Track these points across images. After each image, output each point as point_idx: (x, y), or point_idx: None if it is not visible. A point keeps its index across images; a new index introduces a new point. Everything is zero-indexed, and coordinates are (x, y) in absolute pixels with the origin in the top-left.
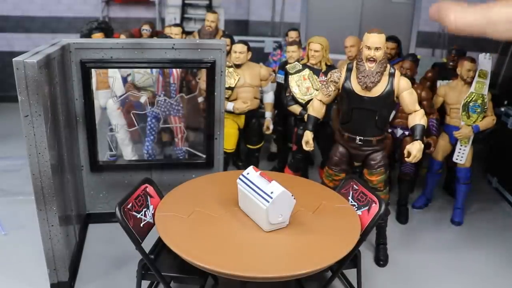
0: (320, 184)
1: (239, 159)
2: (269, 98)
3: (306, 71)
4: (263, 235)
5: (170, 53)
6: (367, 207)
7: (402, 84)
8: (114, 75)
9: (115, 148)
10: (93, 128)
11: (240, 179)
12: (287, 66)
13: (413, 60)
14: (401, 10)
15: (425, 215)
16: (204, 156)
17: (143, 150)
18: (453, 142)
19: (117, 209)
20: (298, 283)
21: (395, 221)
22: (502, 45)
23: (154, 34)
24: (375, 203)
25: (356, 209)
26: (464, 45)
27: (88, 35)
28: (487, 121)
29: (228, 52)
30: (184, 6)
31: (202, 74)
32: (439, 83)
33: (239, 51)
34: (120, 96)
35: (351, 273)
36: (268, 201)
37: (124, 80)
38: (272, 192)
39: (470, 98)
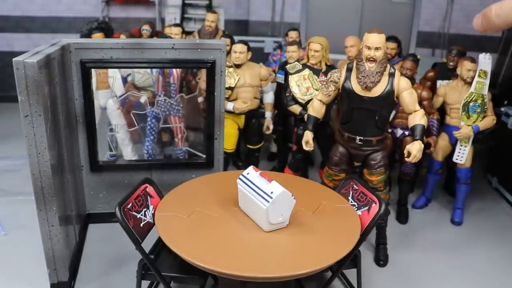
0: (320, 184)
1: (239, 159)
2: (269, 98)
3: (306, 71)
4: (263, 235)
5: (170, 53)
6: (367, 207)
7: (402, 84)
8: (114, 75)
9: (115, 148)
10: (93, 128)
11: (240, 179)
12: (287, 66)
13: (413, 60)
14: (401, 10)
15: (425, 215)
16: (204, 156)
17: (143, 150)
18: (453, 142)
19: (117, 209)
20: (298, 283)
21: (395, 221)
22: (502, 45)
23: (154, 34)
24: (375, 203)
25: (356, 209)
26: (464, 45)
27: (88, 35)
28: (487, 121)
29: (228, 52)
30: (184, 6)
31: (202, 74)
32: (439, 83)
33: (239, 51)
34: (120, 96)
35: (351, 273)
36: (268, 201)
37: (124, 80)
38: (272, 192)
39: (470, 98)
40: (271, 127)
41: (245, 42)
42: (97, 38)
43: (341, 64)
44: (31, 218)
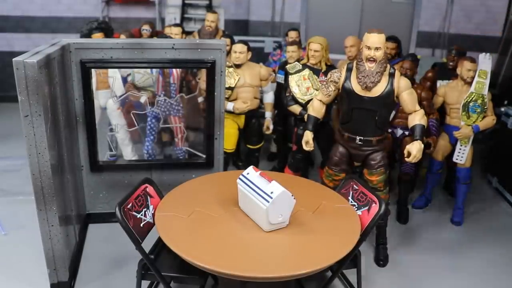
0: (320, 184)
1: (239, 159)
2: (269, 98)
3: (306, 71)
4: (263, 235)
5: (170, 53)
6: (367, 207)
7: (402, 84)
8: (114, 75)
9: (115, 148)
10: (93, 128)
11: (240, 179)
12: (287, 66)
13: (413, 60)
14: (401, 10)
15: (425, 215)
16: (204, 156)
17: (143, 150)
18: (453, 142)
19: (117, 209)
20: (298, 283)
21: (395, 221)
22: (502, 45)
23: (154, 34)
24: (375, 203)
25: (356, 209)
26: (464, 45)
27: (88, 35)
28: (487, 121)
29: (228, 52)
30: (184, 6)
31: (202, 74)
32: (439, 83)
33: (239, 51)
34: (120, 96)
35: (351, 273)
36: (268, 201)
37: (124, 80)
38: (272, 192)
39: (470, 98)
40: (271, 127)
41: (245, 42)
42: (97, 38)
43: (341, 64)
44: (31, 218)
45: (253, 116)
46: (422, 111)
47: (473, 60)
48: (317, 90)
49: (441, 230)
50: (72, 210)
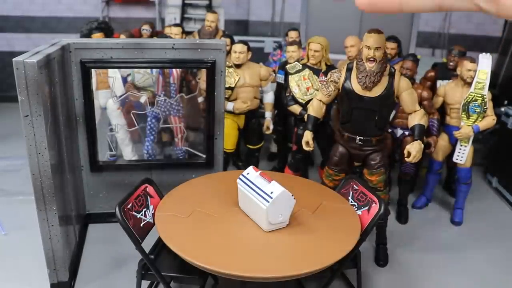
0: (320, 184)
1: (239, 159)
2: (269, 98)
3: (306, 71)
4: (263, 235)
5: (170, 53)
6: (367, 207)
7: (402, 84)
8: (114, 75)
9: (115, 148)
10: (93, 128)
11: (240, 179)
12: (287, 66)
13: (413, 60)
14: None
15: (425, 215)
16: (204, 156)
17: (143, 150)
18: (453, 142)
19: (117, 209)
20: (298, 283)
21: (395, 221)
22: (502, 45)
23: (154, 34)
24: (375, 203)
25: (356, 209)
26: (464, 45)
27: (88, 35)
28: (487, 121)
29: (228, 52)
30: (184, 6)
31: (202, 74)
32: (439, 83)
33: (239, 51)
34: (120, 96)
35: (351, 273)
36: (268, 201)
37: (124, 80)
38: (272, 192)
39: (470, 98)
40: (271, 127)
41: (245, 42)
42: (97, 38)
43: (341, 64)
44: (31, 218)
45: (253, 116)
46: (422, 111)
47: (473, 60)
48: (317, 90)
49: (441, 230)
50: (72, 210)
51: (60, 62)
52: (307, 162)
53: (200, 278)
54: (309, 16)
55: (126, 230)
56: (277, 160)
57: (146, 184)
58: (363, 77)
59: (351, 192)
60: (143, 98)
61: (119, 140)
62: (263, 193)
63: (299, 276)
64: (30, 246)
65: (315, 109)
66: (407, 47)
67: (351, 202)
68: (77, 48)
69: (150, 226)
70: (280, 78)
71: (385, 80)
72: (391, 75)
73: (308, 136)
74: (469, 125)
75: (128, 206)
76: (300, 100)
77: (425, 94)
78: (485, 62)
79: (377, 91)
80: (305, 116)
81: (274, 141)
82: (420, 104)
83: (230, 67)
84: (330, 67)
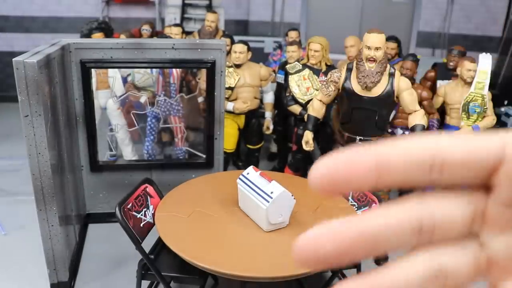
0: None
1: (239, 159)
2: (269, 98)
3: (306, 71)
4: (263, 235)
5: (170, 53)
6: (367, 207)
7: (402, 84)
8: (114, 75)
9: (115, 148)
10: (93, 128)
11: (240, 179)
12: (287, 66)
13: (413, 60)
14: (401, 10)
15: None
16: (204, 156)
17: (143, 150)
18: None
19: (117, 209)
20: (298, 283)
21: None
22: (502, 45)
23: (154, 34)
24: (375, 203)
25: (356, 209)
26: (464, 45)
27: (88, 35)
28: (487, 121)
29: (228, 52)
30: (184, 6)
31: (202, 74)
32: (439, 83)
33: (239, 51)
34: (120, 96)
35: (351, 273)
36: (268, 201)
37: (124, 80)
38: (272, 192)
39: (470, 98)
40: (271, 127)
41: (245, 42)
42: (97, 38)
43: (341, 64)
44: (31, 218)
45: (253, 116)
46: (422, 111)
47: (473, 60)
48: (317, 90)
49: None
50: (72, 210)
51: (60, 62)
52: (307, 162)
53: (200, 278)
54: (309, 16)
55: (126, 230)
56: (277, 160)
57: (146, 184)
58: (363, 77)
59: (351, 192)
60: (143, 98)
61: (119, 140)
62: (263, 193)
63: (299, 276)
64: (30, 246)
65: (315, 109)
66: (407, 47)
67: (351, 202)
68: (77, 48)
69: (150, 226)
70: (280, 78)
71: (385, 80)
72: (391, 75)
73: (308, 136)
74: (469, 125)
75: (128, 206)
76: (300, 100)
77: (425, 94)
78: (485, 62)
79: (377, 91)
80: (305, 116)
81: (274, 141)
82: (420, 104)
83: (230, 67)
84: (330, 67)
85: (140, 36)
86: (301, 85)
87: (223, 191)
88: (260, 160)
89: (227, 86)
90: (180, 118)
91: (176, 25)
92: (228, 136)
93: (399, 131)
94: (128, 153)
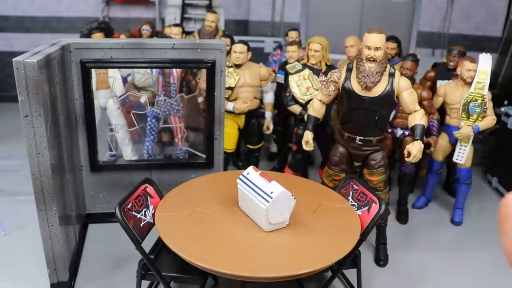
0: (320, 184)
1: (239, 159)
2: (269, 98)
3: (306, 71)
4: (263, 235)
5: (170, 53)
6: (367, 207)
7: (402, 84)
8: (114, 75)
9: (115, 148)
10: (93, 128)
11: (240, 179)
12: (287, 66)
13: (413, 60)
14: (401, 10)
15: (425, 215)
16: (204, 156)
17: (143, 150)
18: (453, 142)
19: (117, 209)
20: (298, 283)
21: (395, 221)
22: (502, 45)
23: (154, 34)
24: (375, 203)
25: (356, 209)
26: (464, 45)
27: (88, 35)
28: (487, 121)
29: (228, 52)
30: (184, 6)
31: (202, 74)
32: (439, 83)
33: (239, 51)
34: (120, 96)
35: (351, 273)
36: (268, 201)
37: (124, 80)
38: (272, 192)
39: (470, 98)
40: (271, 127)
41: (245, 42)
42: (97, 38)
43: (341, 64)
44: (31, 218)
45: (253, 116)
46: (422, 111)
47: (473, 60)
48: (317, 90)
49: (441, 230)
50: (72, 210)
51: (60, 62)
52: (307, 162)
53: (200, 278)
54: (309, 16)
55: (126, 230)
56: (277, 160)
57: (146, 184)
58: (363, 77)
59: (351, 192)
60: (143, 98)
61: (119, 140)
62: (263, 193)
63: (299, 276)
64: (30, 246)
65: (315, 109)
66: (407, 47)
67: (351, 202)
68: (77, 48)
69: (150, 226)
70: (280, 78)
71: (385, 80)
72: (391, 75)
73: (308, 136)
74: (469, 125)
75: (128, 206)
76: (300, 100)
77: (425, 94)
78: (485, 62)
79: (377, 91)
80: (305, 116)
81: (274, 141)
82: (420, 104)
83: (230, 67)
84: (330, 67)
85: (140, 36)
86: (301, 85)
87: (223, 191)
88: (260, 160)
89: (227, 86)
90: (180, 118)
91: (176, 25)
92: (228, 136)
93: (399, 131)
94: (128, 153)
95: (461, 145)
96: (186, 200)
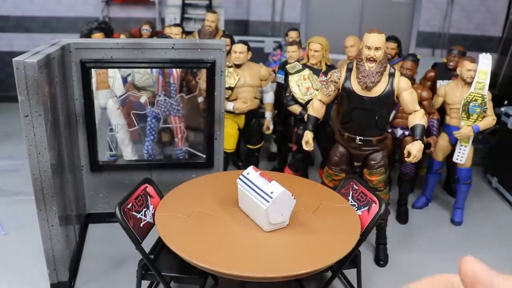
0: (320, 184)
1: (239, 159)
2: (269, 98)
3: (306, 71)
4: (263, 235)
5: (170, 53)
6: (367, 207)
7: (402, 84)
8: (114, 75)
9: (115, 148)
10: (93, 128)
11: (240, 179)
12: (287, 66)
13: (413, 60)
14: (401, 10)
15: (425, 215)
16: (204, 156)
17: (143, 150)
18: (453, 142)
19: (117, 209)
20: (298, 283)
21: (395, 221)
22: (502, 45)
23: (154, 34)
24: (375, 203)
25: (356, 209)
26: (464, 45)
27: (88, 35)
28: (487, 121)
29: (228, 52)
30: (184, 6)
31: (202, 74)
32: (439, 83)
33: (239, 51)
34: (120, 96)
35: (351, 273)
36: (268, 201)
37: (124, 80)
38: (272, 192)
39: (470, 98)
40: (271, 127)
41: (245, 42)
42: (97, 38)
43: (341, 64)
44: (31, 218)
45: (253, 116)
46: (422, 111)
47: (473, 60)
48: (317, 90)
49: (441, 230)
50: (72, 210)
51: (60, 62)
52: (307, 162)
53: (200, 278)
54: (309, 16)
55: (126, 230)
56: (277, 160)
57: (146, 184)
58: (363, 77)
59: (351, 192)
60: (143, 98)
61: (119, 140)
62: (263, 193)
63: (299, 276)
64: (30, 246)
65: (315, 109)
66: (407, 47)
67: (351, 202)
68: (77, 48)
69: (150, 226)
70: (280, 78)
71: (385, 80)
72: (391, 75)
73: (308, 136)
74: (469, 125)
75: (128, 206)
76: (300, 100)
77: (425, 94)
78: (485, 62)
79: (377, 91)
80: (305, 116)
81: (274, 141)
82: (420, 104)
83: (230, 67)
84: (330, 67)
85: (140, 36)
86: (301, 85)
87: (223, 191)
88: (260, 160)
89: (227, 86)
90: (180, 118)
91: (176, 25)
92: (228, 136)
93: (399, 131)
94: (128, 153)
95: (461, 145)
96: (186, 200)
